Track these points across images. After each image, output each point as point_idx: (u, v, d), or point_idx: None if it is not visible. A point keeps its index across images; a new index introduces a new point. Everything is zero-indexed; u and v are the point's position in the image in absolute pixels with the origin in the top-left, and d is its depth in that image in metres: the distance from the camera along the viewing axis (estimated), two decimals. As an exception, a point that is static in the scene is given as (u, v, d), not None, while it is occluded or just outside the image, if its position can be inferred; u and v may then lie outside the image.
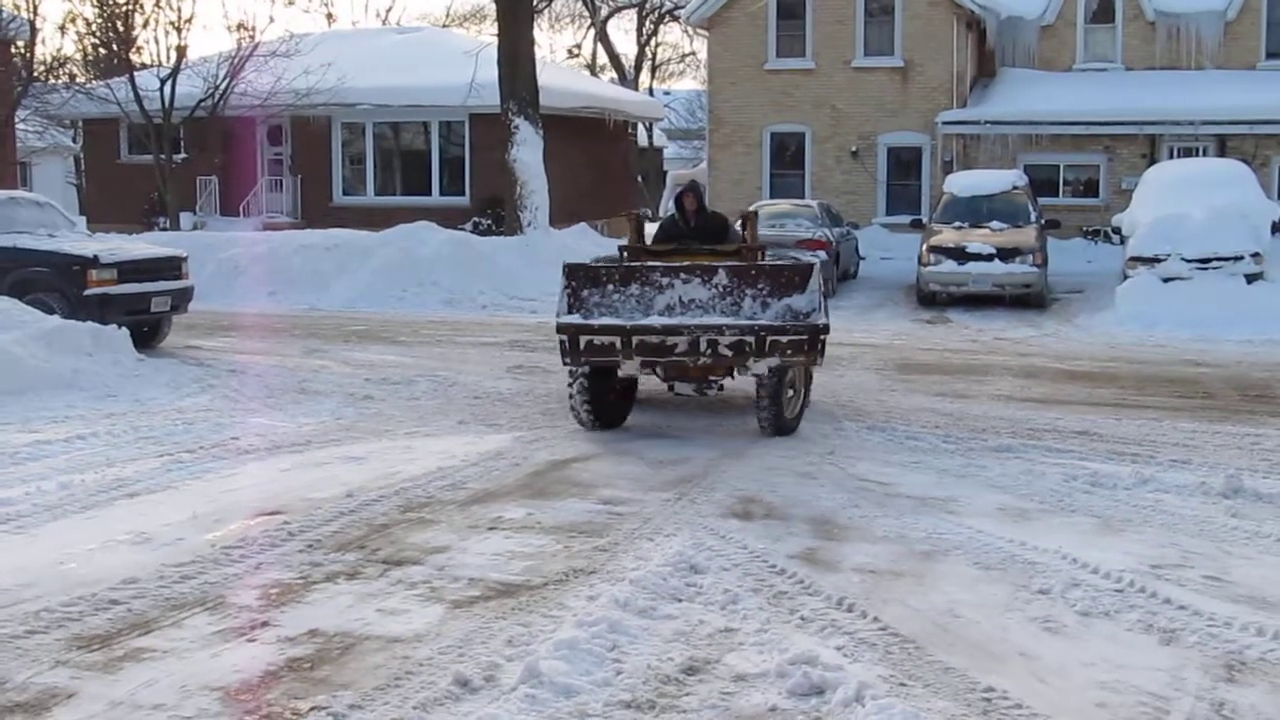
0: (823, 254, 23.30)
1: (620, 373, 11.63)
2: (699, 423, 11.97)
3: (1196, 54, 32.53)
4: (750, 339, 10.97)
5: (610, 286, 11.58)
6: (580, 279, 11.66)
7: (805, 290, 11.37)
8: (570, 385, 11.61)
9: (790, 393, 11.65)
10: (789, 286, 11.41)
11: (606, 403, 11.80)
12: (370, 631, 6.33)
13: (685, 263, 11.95)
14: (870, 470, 10.05)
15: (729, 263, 11.83)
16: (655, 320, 11.18)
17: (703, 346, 11.01)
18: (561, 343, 11.19)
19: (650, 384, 12.25)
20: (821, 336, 11.13)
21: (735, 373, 11.71)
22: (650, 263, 11.92)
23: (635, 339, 11.07)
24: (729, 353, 11.08)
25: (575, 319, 11.27)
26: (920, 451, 10.83)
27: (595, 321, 11.23)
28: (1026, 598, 6.97)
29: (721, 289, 11.42)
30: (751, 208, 16.00)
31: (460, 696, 5.51)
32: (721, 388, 12.05)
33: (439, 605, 6.75)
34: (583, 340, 11.10)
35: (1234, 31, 32.31)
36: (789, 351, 11.09)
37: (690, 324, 11.06)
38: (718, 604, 6.77)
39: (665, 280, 11.50)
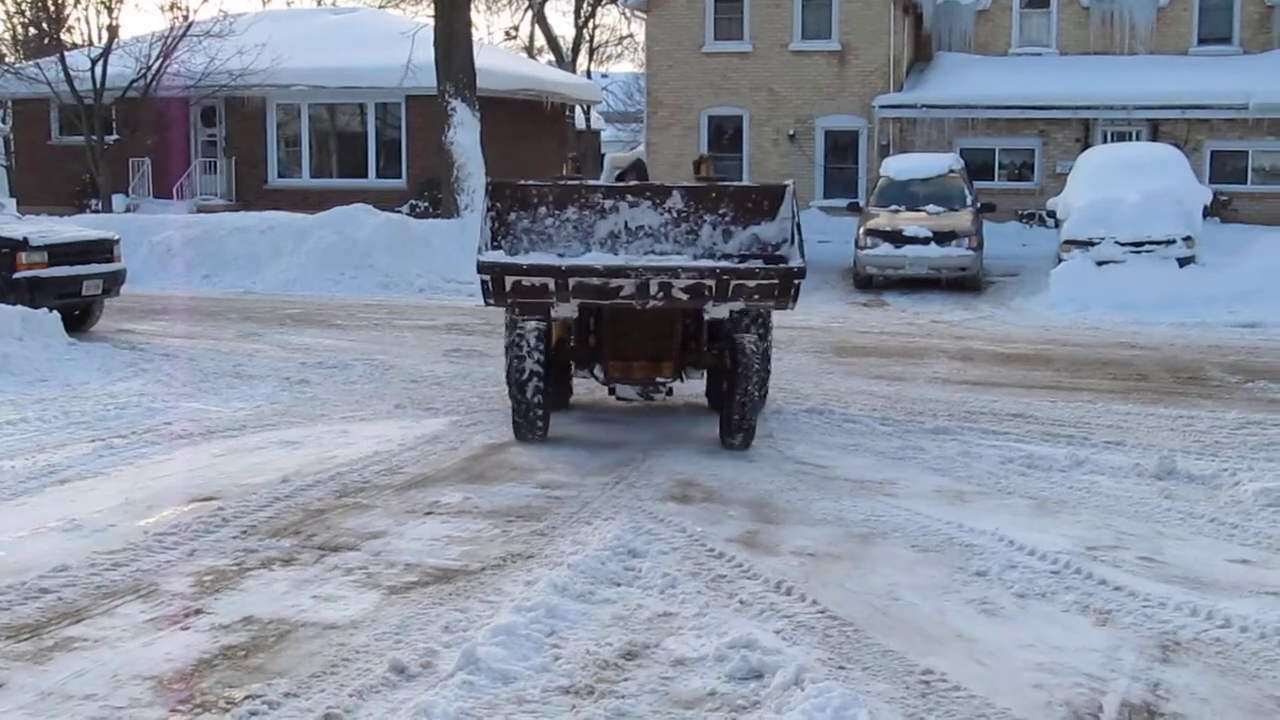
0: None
1: (554, 314, 9.90)
2: (637, 406, 11.94)
3: (1130, 39, 32.83)
4: (710, 282, 9.25)
5: (543, 210, 10.14)
6: (506, 201, 10.18)
7: (776, 216, 10.00)
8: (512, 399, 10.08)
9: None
10: (756, 212, 10.07)
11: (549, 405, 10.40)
12: (305, 618, 6.27)
13: (633, 184, 10.49)
14: (808, 453, 10.06)
15: (685, 184, 10.40)
16: (596, 259, 9.62)
17: (653, 290, 9.27)
18: (483, 283, 9.47)
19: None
20: (795, 281, 9.43)
21: (684, 375, 10.64)
22: (592, 182, 10.43)
23: (572, 281, 9.30)
24: (684, 296, 9.35)
25: (499, 257, 9.63)
26: (858, 434, 10.86)
27: (523, 260, 9.58)
28: (964, 580, 7.00)
29: (676, 214, 10.02)
30: (706, 155, 14.25)
31: (397, 683, 5.46)
32: (670, 391, 10.69)
33: (375, 591, 6.69)
34: (508, 281, 9.38)
35: (1166, 17, 32.63)
36: (756, 296, 9.43)
37: (639, 265, 9.40)
38: (656, 588, 6.75)
39: (609, 203, 10.07)
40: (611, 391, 10.58)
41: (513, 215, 10.13)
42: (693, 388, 12.11)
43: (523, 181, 10.60)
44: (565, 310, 9.70)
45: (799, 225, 9.86)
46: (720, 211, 10.07)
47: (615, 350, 10.27)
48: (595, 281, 9.28)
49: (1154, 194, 21.70)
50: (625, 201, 10.06)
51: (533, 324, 9.88)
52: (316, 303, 20.78)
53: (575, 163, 12.39)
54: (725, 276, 9.27)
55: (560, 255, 9.94)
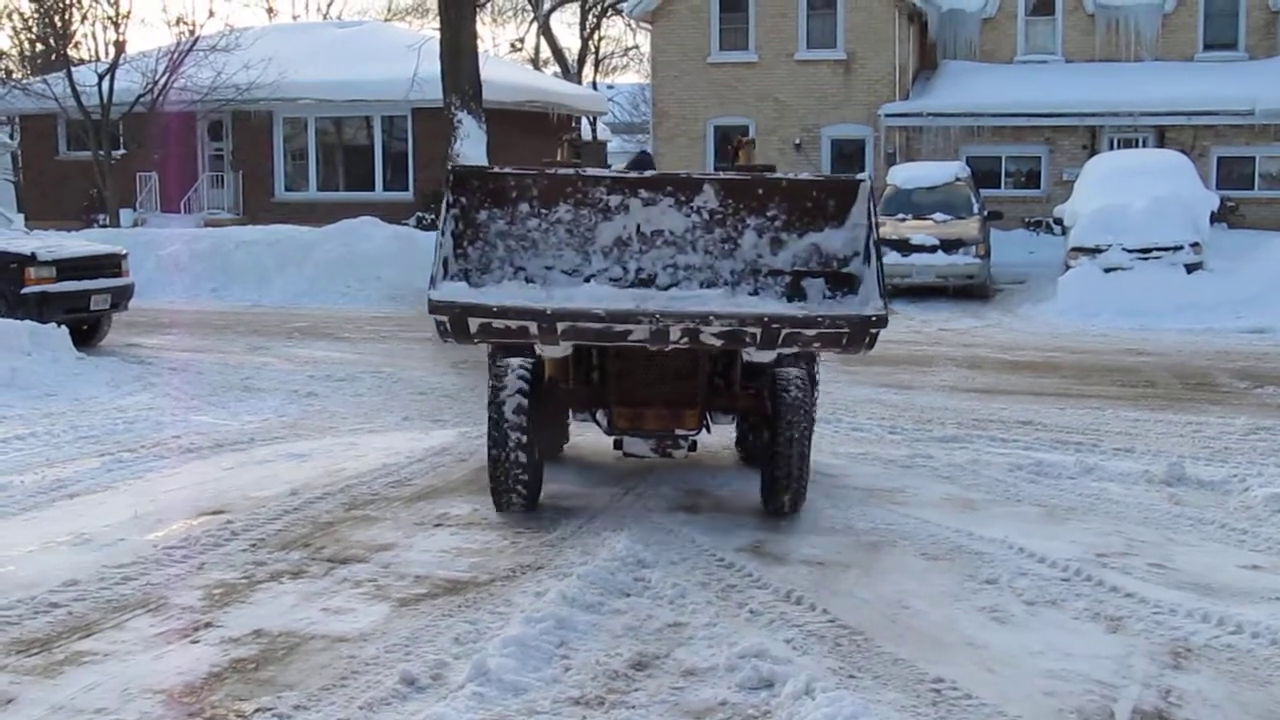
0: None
1: (541, 353, 8.05)
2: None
3: (1135, 46, 32.80)
4: (754, 330, 7.22)
5: (525, 207, 7.95)
6: (475, 196, 7.95)
7: (845, 222, 7.83)
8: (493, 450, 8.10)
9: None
10: (817, 214, 7.86)
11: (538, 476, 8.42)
12: (315, 631, 6.26)
13: (648, 173, 8.37)
14: (816, 462, 10.00)
15: (722, 175, 8.22)
16: (594, 297, 7.58)
17: (675, 336, 7.26)
18: (439, 324, 7.50)
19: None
20: (872, 330, 7.43)
21: (710, 424, 8.78)
22: (593, 171, 8.22)
23: (562, 325, 7.28)
24: (716, 342, 7.37)
25: (458, 293, 7.58)
26: (866, 442, 10.85)
27: (492, 301, 7.47)
28: (974, 587, 6.99)
29: (709, 216, 7.87)
30: (746, 137, 10.95)
31: (407, 696, 5.45)
32: (694, 446, 8.54)
33: (385, 603, 6.68)
34: (473, 323, 7.40)
35: (1172, 23, 32.60)
36: (816, 344, 7.63)
37: (654, 310, 7.29)
38: (666, 598, 6.74)
39: (616, 200, 7.94)
40: (617, 445, 8.48)
41: (483, 214, 7.96)
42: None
43: (498, 169, 8.33)
44: (555, 352, 7.84)
45: (877, 237, 7.72)
46: (768, 213, 7.88)
47: (622, 393, 8.31)
48: (595, 326, 7.29)
49: (1161, 200, 21.70)
50: (639, 198, 7.87)
51: (516, 367, 8.05)
52: (324, 315, 20.80)
53: (574, 146, 10.36)
54: (776, 326, 7.19)
55: (548, 269, 8.05)
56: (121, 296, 16.83)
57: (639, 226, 7.97)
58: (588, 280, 7.95)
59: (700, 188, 7.93)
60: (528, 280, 7.96)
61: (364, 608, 6.62)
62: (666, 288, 7.92)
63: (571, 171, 8.19)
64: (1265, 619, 6.39)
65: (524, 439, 7.97)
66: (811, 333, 7.28)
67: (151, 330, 18.20)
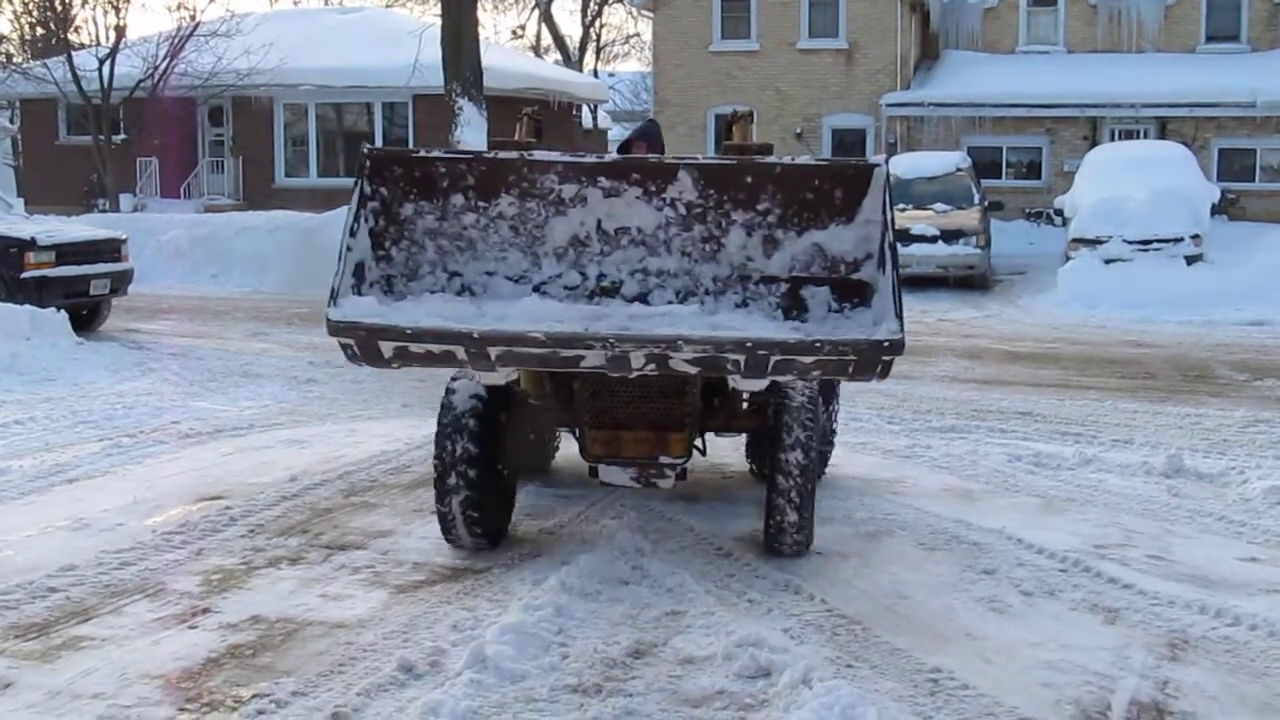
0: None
1: (479, 380, 6.86)
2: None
3: (1137, 37, 32.79)
4: (737, 357, 5.97)
5: (459, 200, 6.65)
6: (397, 185, 6.70)
7: (854, 217, 6.50)
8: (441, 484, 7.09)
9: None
10: (821, 208, 6.52)
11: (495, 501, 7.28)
12: (313, 617, 6.26)
13: (609, 158, 6.98)
14: (816, 452, 10.03)
15: (702, 160, 6.74)
16: (538, 320, 6.20)
17: (638, 363, 6.05)
18: (345, 348, 6.25)
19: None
20: (884, 358, 6.01)
21: (704, 445, 7.70)
22: (542, 154, 6.71)
23: (495, 350, 6.04)
24: (692, 370, 6.16)
25: (366, 309, 6.30)
26: (865, 433, 10.84)
27: (407, 321, 6.18)
28: (972, 578, 6.98)
29: (685, 210, 6.55)
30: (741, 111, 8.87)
31: (405, 682, 5.45)
32: (683, 474, 7.25)
33: (383, 590, 6.68)
34: (386, 347, 6.14)
35: (1174, 15, 32.58)
36: (815, 372, 6.20)
37: (608, 335, 5.99)
38: (665, 587, 6.73)
39: (571, 190, 6.58)
40: (593, 472, 7.28)
41: (408, 208, 6.68)
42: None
43: (425, 152, 6.91)
44: (495, 378, 6.69)
45: (893, 237, 6.27)
46: (760, 206, 6.54)
47: (596, 413, 7.07)
48: (536, 351, 6.04)
49: (1162, 192, 21.70)
50: (599, 188, 6.54)
51: (471, 380, 7.06)
52: (323, 302, 20.64)
53: (535, 121, 8.97)
54: (763, 352, 5.98)
55: (489, 275, 6.75)
56: (121, 282, 16.84)
57: (599, 223, 6.62)
58: (537, 289, 6.64)
59: (674, 175, 6.53)
60: (463, 289, 6.68)
61: (362, 594, 6.62)
62: (633, 299, 6.62)
63: (515, 155, 6.74)
64: (1263, 611, 6.39)
65: (472, 473, 7.01)
66: (809, 360, 5.99)
67: (151, 316, 18.20)
